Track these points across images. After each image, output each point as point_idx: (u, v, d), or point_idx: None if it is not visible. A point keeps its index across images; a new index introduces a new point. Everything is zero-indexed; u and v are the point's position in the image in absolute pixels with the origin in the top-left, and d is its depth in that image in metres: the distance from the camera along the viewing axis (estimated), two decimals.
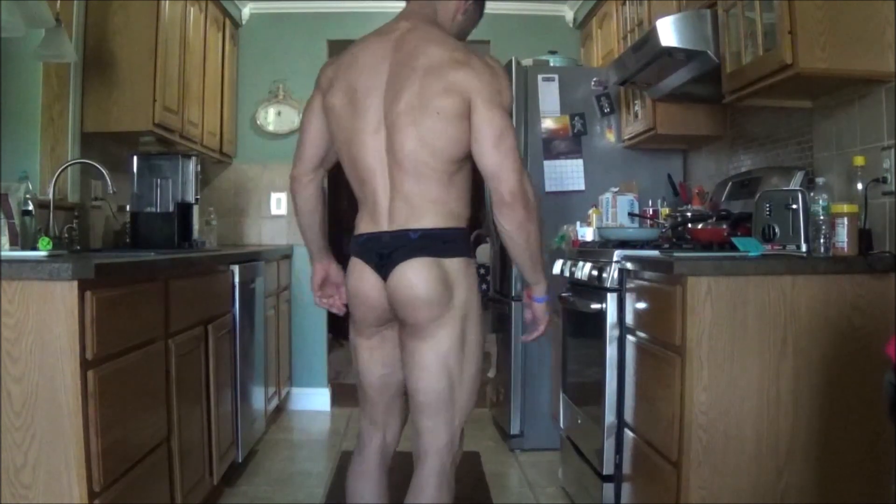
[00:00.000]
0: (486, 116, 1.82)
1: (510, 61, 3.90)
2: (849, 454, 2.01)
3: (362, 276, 1.91)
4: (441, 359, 1.87)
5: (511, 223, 1.84)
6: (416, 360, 1.89)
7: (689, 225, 2.86)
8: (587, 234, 3.46)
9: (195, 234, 3.70)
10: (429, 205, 1.86)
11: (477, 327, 1.94)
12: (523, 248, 1.88)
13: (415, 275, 1.84)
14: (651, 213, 3.44)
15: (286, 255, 4.61)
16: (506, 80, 1.88)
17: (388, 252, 1.87)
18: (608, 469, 2.57)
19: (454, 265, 1.88)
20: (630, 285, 2.47)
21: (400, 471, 2.09)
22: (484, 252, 5.69)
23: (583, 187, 3.88)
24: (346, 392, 4.95)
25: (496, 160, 1.82)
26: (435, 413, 1.90)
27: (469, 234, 1.96)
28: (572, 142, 3.91)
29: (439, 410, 1.90)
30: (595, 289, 2.68)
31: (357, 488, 2.04)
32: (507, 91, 1.87)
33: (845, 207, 2.13)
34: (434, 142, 1.83)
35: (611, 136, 3.94)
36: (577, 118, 3.91)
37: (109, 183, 3.07)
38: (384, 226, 1.88)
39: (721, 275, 1.98)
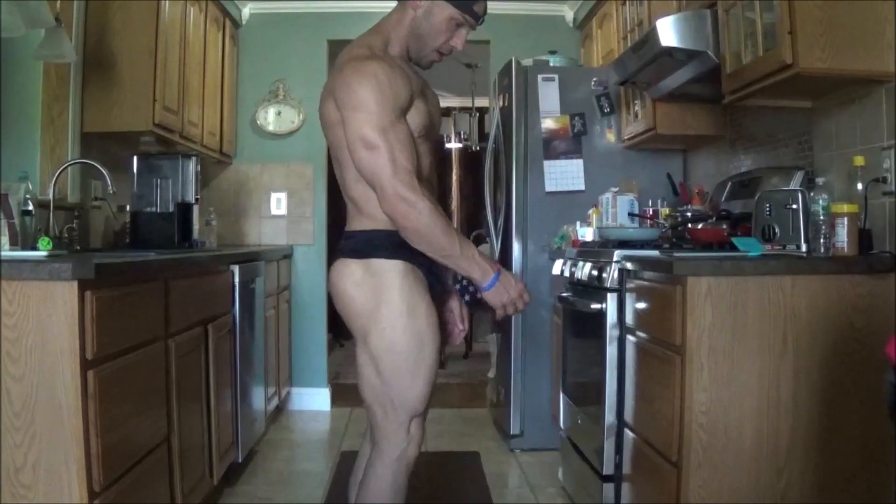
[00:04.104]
0: (344, 118, 1.83)
1: (510, 61, 3.90)
2: (849, 454, 2.01)
3: None
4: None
5: (402, 221, 1.78)
6: None
7: (689, 225, 2.86)
8: (587, 234, 3.47)
9: (195, 234, 3.70)
10: (350, 208, 1.98)
11: (379, 329, 1.88)
12: (426, 244, 1.81)
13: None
14: (651, 213, 3.44)
15: (286, 255, 4.60)
16: (350, 78, 1.81)
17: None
18: (608, 469, 2.57)
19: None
20: (630, 285, 2.47)
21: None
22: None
23: (583, 187, 3.88)
24: (345, 392, 4.96)
25: (369, 163, 1.79)
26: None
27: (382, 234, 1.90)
28: (572, 142, 3.91)
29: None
30: (595, 289, 2.68)
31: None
32: (352, 88, 1.80)
33: (845, 207, 2.13)
34: (336, 153, 1.92)
35: (611, 136, 3.94)
36: (577, 118, 3.91)
37: (109, 183, 3.06)
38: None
39: (721, 275, 1.98)
